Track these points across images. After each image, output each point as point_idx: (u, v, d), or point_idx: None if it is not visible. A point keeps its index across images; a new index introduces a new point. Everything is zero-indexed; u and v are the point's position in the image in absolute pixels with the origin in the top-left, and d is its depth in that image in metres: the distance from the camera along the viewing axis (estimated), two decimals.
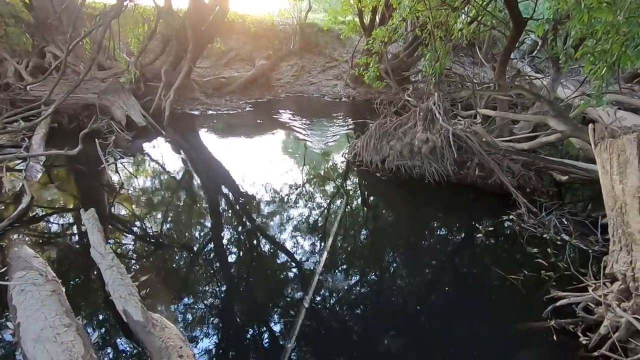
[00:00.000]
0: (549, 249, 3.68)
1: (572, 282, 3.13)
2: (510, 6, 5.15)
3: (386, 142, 5.53)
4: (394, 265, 3.79)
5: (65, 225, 4.02)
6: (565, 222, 4.02)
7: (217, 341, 2.63)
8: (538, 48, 10.26)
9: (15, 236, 3.51)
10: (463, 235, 4.31)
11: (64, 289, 2.79)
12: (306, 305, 2.89)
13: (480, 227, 4.15)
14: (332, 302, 3.08)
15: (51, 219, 4.09)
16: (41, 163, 5.10)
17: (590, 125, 2.96)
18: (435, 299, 3.27)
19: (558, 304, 2.86)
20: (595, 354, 2.49)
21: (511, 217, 4.25)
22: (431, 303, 3.22)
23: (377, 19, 10.59)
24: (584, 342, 2.60)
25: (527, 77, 8.04)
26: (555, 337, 2.65)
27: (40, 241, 3.59)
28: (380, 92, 9.49)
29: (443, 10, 6.41)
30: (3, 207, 4.07)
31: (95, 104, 6.61)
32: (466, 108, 7.67)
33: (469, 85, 7.65)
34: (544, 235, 3.89)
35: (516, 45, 7.67)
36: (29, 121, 5.78)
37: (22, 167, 4.87)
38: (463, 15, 7.08)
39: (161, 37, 9.00)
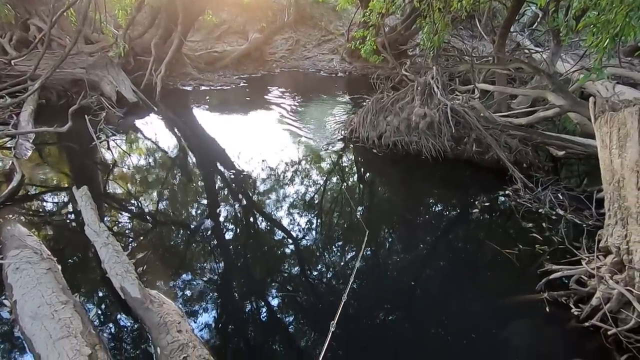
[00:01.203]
0: (544, 224, 3.71)
1: (566, 255, 3.18)
2: None
3: (383, 117, 5.44)
4: (390, 240, 3.81)
5: (58, 203, 3.97)
6: (561, 197, 4.04)
7: (215, 316, 2.66)
8: (538, 20, 10.01)
9: (8, 215, 3.46)
10: (459, 210, 4.32)
11: (59, 267, 2.78)
12: (302, 280, 2.91)
13: (476, 202, 4.17)
14: (327, 276, 3.11)
15: (43, 197, 4.03)
16: (30, 141, 4.97)
17: (591, 99, 2.91)
18: (430, 274, 3.32)
19: (551, 276, 2.91)
20: (587, 324, 2.55)
21: (507, 192, 4.26)
22: (426, 277, 3.26)
23: None
24: (576, 313, 2.66)
25: (526, 51, 7.88)
26: (547, 309, 2.71)
27: (34, 219, 3.55)
28: (377, 66, 9.29)
29: None
30: None
31: (84, 79, 6.40)
32: (464, 83, 7.54)
33: (468, 59, 7.48)
34: (540, 210, 3.92)
35: (516, 18, 7.46)
36: (15, 97, 5.59)
37: (11, 145, 4.75)
38: None
39: (149, 9, 8.63)
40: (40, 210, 3.80)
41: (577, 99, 4.66)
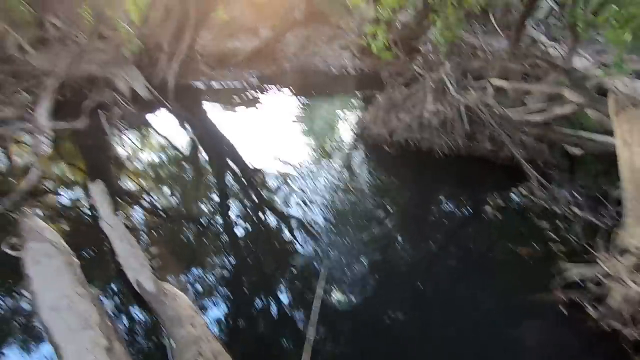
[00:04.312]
0: (559, 223, 3.65)
1: (583, 255, 3.11)
2: None
3: (394, 114, 5.40)
4: (401, 238, 3.79)
5: (74, 197, 4.05)
6: (577, 196, 3.96)
7: (226, 310, 2.69)
8: (554, 14, 9.77)
9: (27, 209, 3.55)
10: (472, 208, 4.27)
11: (76, 260, 2.84)
12: (312, 275, 2.92)
13: (490, 200, 4.11)
14: (337, 273, 3.11)
15: (60, 192, 4.12)
16: (47, 137, 5.07)
17: (612, 95, 2.83)
18: (442, 272, 3.29)
19: (567, 276, 2.86)
20: (603, 325, 2.50)
21: (522, 190, 4.19)
22: (437, 275, 3.23)
23: None
24: (592, 314, 2.61)
25: (542, 46, 7.70)
26: (563, 309, 2.66)
27: (51, 214, 3.63)
28: (389, 62, 9.18)
29: None
30: (13, 181, 4.10)
31: (99, 76, 6.50)
32: (477, 78, 7.41)
33: (482, 54, 7.36)
34: (555, 209, 3.84)
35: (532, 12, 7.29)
36: (32, 93, 5.71)
37: (28, 141, 4.87)
38: None
39: (163, 6, 8.69)
40: (58, 204, 3.89)
41: (595, 96, 4.54)
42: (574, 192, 4.02)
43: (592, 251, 3.10)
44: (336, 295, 2.88)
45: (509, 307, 2.79)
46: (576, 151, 4.68)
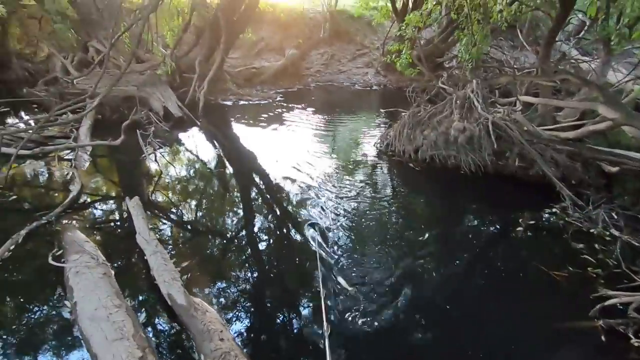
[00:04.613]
0: (596, 245, 3.49)
1: (623, 280, 2.96)
2: None
3: (420, 131, 5.39)
4: (428, 257, 3.72)
5: (111, 211, 4.26)
6: (615, 217, 3.79)
7: (253, 325, 2.72)
8: (586, 28, 9.54)
9: (68, 221, 3.77)
10: (501, 228, 4.16)
11: (113, 272, 2.98)
12: (339, 293, 2.92)
13: (520, 220, 3.98)
14: (362, 290, 3.08)
15: (98, 206, 4.34)
16: (88, 153, 5.40)
17: None
18: (470, 295, 3.19)
19: (607, 303, 2.72)
20: None
21: (555, 210, 4.06)
22: (465, 298, 3.14)
23: (410, 4, 10.24)
24: (636, 344, 2.46)
25: (573, 61, 7.52)
26: (603, 338, 2.53)
27: (90, 226, 3.83)
28: (413, 79, 9.23)
29: None
30: (56, 194, 4.37)
31: (135, 96, 6.89)
32: (504, 95, 7.32)
33: (509, 70, 7.27)
34: (591, 231, 3.69)
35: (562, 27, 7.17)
36: (76, 113, 6.12)
37: (71, 157, 5.20)
38: None
39: (195, 29, 9.18)
40: (96, 217, 4.10)
41: (631, 112, 4.37)
42: (612, 213, 3.84)
43: (634, 276, 2.95)
44: (360, 314, 2.86)
45: (542, 334, 2.67)
46: (612, 169, 4.50)
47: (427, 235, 4.07)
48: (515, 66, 7.39)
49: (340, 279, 3.13)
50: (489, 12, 6.38)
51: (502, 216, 4.30)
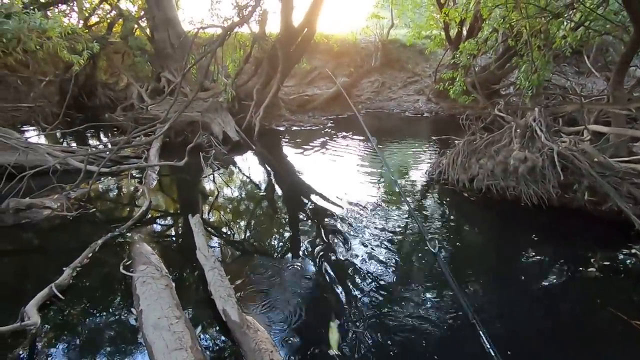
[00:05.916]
0: None
1: None
2: (631, 7, 4.53)
3: (475, 160, 5.21)
4: (484, 296, 3.48)
5: (174, 227, 4.59)
6: None
7: (301, 350, 2.72)
8: None
9: (138, 234, 4.12)
10: (569, 267, 3.79)
11: (174, 284, 3.17)
12: (389, 323, 2.83)
13: (591, 259, 3.63)
14: (412, 329, 2.96)
15: (163, 221, 4.70)
16: (156, 172, 5.92)
17: None
18: (536, 342, 2.90)
19: None
20: None
21: (634, 250, 3.64)
22: (531, 347, 2.86)
23: (465, 32, 10.19)
24: None
25: None
26: None
27: (155, 240, 4.15)
28: (466, 107, 9.03)
29: (542, 18, 5.91)
30: (128, 209, 4.82)
31: (199, 121, 7.49)
32: (569, 123, 6.87)
33: (574, 98, 6.85)
34: None
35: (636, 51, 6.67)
36: (148, 136, 6.78)
37: (140, 175, 5.73)
38: (566, 22, 6.39)
39: (255, 60, 9.89)
40: (161, 232, 4.44)
41: None
42: None
43: None
44: (407, 349, 2.74)
45: None
46: None
47: (484, 270, 3.84)
48: (581, 93, 6.94)
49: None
50: (551, 38, 6.15)
51: (570, 254, 3.94)
